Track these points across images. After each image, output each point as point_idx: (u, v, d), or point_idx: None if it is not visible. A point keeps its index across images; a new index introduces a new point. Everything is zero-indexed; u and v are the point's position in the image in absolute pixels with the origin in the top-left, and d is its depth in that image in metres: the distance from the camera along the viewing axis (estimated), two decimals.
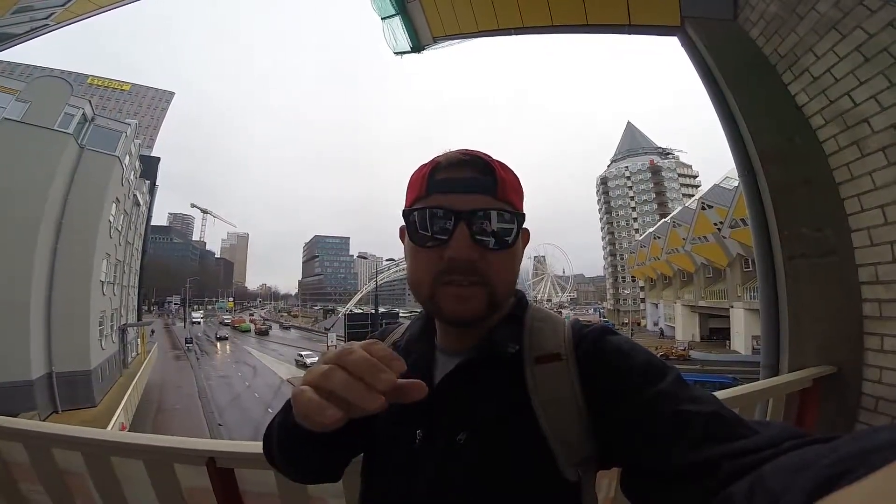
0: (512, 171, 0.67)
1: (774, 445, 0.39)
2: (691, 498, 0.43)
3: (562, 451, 0.57)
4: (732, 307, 32.71)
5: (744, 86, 2.25)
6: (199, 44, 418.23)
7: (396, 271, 77.60)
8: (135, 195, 23.71)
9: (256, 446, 1.32)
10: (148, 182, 28.15)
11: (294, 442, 0.61)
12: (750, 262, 29.34)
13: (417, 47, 3.84)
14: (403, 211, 0.65)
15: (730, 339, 34.07)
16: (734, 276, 32.81)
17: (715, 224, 32.24)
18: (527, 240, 0.69)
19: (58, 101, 16.29)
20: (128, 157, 20.50)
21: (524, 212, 0.67)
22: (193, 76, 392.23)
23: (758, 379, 2.38)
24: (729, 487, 0.38)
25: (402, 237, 0.69)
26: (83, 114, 17.11)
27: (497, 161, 0.66)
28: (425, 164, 0.66)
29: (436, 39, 3.73)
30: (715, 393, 1.71)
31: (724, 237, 30.97)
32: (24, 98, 15.66)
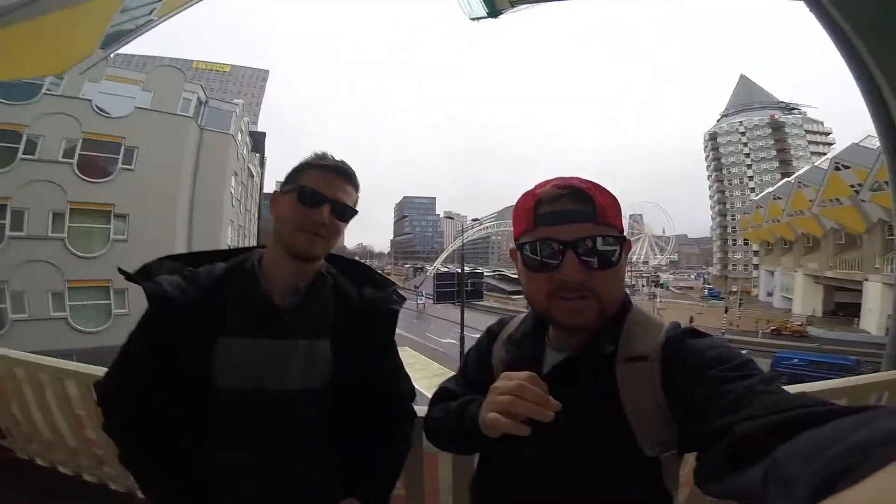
0: (608, 193, 0.75)
1: (783, 410, 0.46)
2: (710, 464, 0.52)
3: (642, 434, 0.68)
4: (867, 280, 27.62)
5: (888, 50, 1.94)
6: (286, 17, 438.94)
7: (480, 229, 78.45)
8: (248, 168, 26.20)
9: None
10: (258, 155, 30.97)
11: (466, 437, 0.81)
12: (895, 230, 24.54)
13: (494, 12, 3.64)
14: (516, 243, 0.77)
15: (859, 317, 28.96)
16: (873, 244, 27.58)
17: (851, 186, 27.17)
18: (629, 249, 0.76)
19: (175, 88, 17.60)
20: (239, 134, 22.39)
21: (624, 227, 0.77)
22: (285, 49, 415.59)
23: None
24: (745, 472, 0.44)
25: (513, 257, 0.80)
26: (198, 98, 18.54)
27: (594, 186, 0.74)
28: (527, 197, 0.76)
29: (512, 3, 3.54)
30: (819, 382, 1.69)
31: (864, 200, 26.06)
32: (148, 88, 17.03)
